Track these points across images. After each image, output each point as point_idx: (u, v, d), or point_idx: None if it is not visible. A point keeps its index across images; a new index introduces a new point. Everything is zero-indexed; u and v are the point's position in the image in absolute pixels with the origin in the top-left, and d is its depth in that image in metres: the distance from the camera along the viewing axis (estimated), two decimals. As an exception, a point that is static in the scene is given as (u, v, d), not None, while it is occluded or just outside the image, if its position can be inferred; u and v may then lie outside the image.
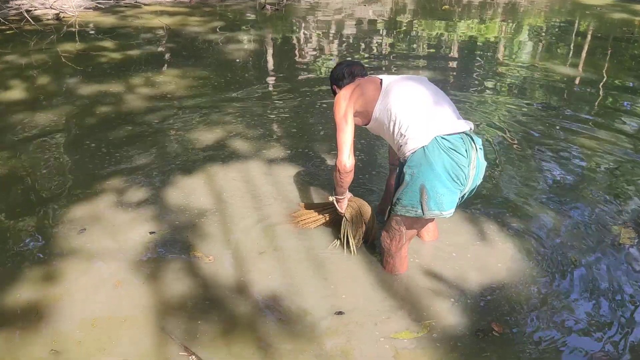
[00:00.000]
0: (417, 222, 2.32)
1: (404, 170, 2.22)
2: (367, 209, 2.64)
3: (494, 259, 2.62)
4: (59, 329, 2.16)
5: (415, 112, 2.23)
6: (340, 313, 2.24)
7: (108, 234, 2.79)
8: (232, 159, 3.65)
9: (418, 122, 2.20)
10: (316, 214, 2.85)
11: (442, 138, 2.16)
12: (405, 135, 2.21)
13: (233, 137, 4.02)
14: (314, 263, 2.57)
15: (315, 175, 3.44)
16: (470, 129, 2.25)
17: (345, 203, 2.61)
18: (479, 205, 3.06)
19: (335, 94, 2.60)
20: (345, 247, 2.63)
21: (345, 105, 2.37)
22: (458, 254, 2.65)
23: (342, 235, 2.66)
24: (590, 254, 2.66)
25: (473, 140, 2.21)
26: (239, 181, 3.34)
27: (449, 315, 2.25)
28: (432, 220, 2.55)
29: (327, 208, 2.83)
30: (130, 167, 3.52)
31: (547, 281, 2.46)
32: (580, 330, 2.18)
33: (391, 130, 2.28)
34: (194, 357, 2.01)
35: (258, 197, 3.15)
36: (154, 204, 3.08)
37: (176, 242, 2.73)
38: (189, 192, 3.21)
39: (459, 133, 2.20)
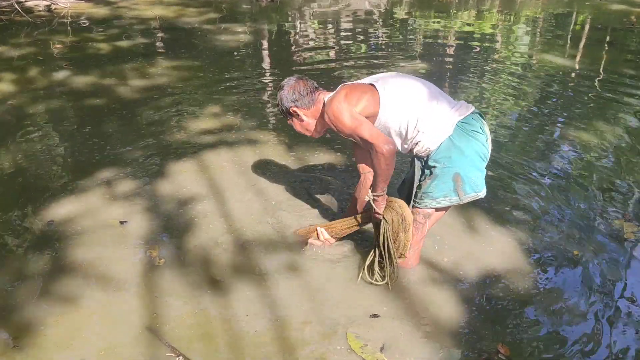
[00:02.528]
0: (446, 209, 2.31)
1: (431, 164, 2.19)
2: (410, 213, 2.21)
3: (494, 257, 2.53)
4: (22, 324, 2.08)
5: (426, 105, 2.17)
6: (375, 316, 2.13)
7: (78, 226, 2.71)
8: (226, 153, 3.56)
9: (433, 114, 2.16)
10: (336, 227, 2.46)
11: (462, 122, 2.18)
12: (423, 131, 2.16)
13: (227, 131, 3.92)
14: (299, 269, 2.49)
15: (314, 174, 3.35)
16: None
17: (384, 203, 2.26)
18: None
19: (292, 117, 2.31)
20: (387, 262, 2.23)
21: (348, 110, 2.10)
22: (455, 251, 2.57)
23: (381, 243, 2.21)
24: (595, 250, 2.57)
25: (481, 116, 2.26)
26: (230, 179, 3.23)
27: (452, 333, 2.09)
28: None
29: (351, 217, 2.44)
30: (121, 159, 3.43)
31: (552, 283, 2.38)
32: (592, 347, 2.04)
33: (404, 131, 2.20)
34: (181, 357, 1.92)
35: (247, 201, 3.03)
36: (137, 195, 3.01)
37: (143, 235, 2.64)
38: (177, 185, 3.13)
39: (469, 114, 2.21)
